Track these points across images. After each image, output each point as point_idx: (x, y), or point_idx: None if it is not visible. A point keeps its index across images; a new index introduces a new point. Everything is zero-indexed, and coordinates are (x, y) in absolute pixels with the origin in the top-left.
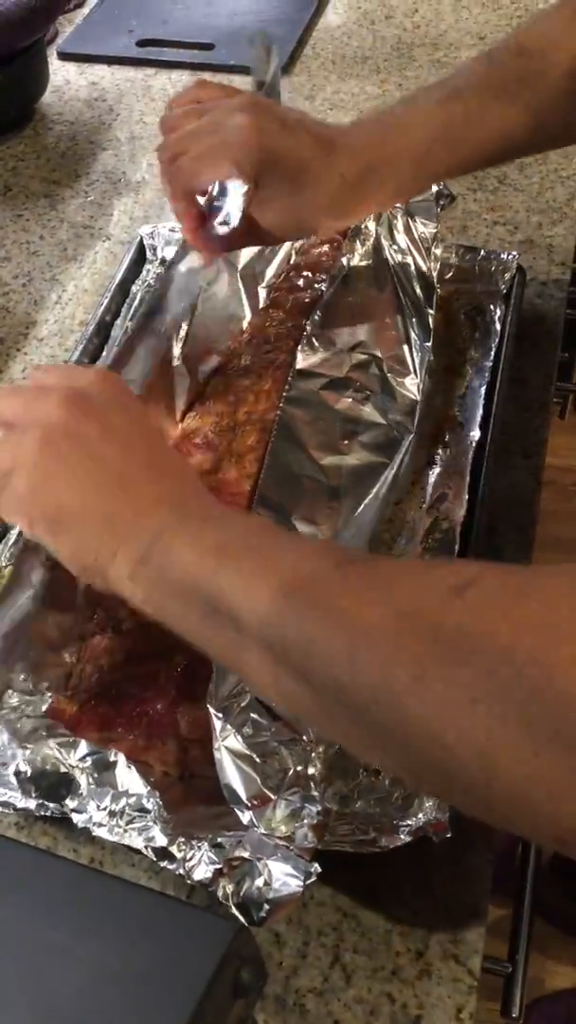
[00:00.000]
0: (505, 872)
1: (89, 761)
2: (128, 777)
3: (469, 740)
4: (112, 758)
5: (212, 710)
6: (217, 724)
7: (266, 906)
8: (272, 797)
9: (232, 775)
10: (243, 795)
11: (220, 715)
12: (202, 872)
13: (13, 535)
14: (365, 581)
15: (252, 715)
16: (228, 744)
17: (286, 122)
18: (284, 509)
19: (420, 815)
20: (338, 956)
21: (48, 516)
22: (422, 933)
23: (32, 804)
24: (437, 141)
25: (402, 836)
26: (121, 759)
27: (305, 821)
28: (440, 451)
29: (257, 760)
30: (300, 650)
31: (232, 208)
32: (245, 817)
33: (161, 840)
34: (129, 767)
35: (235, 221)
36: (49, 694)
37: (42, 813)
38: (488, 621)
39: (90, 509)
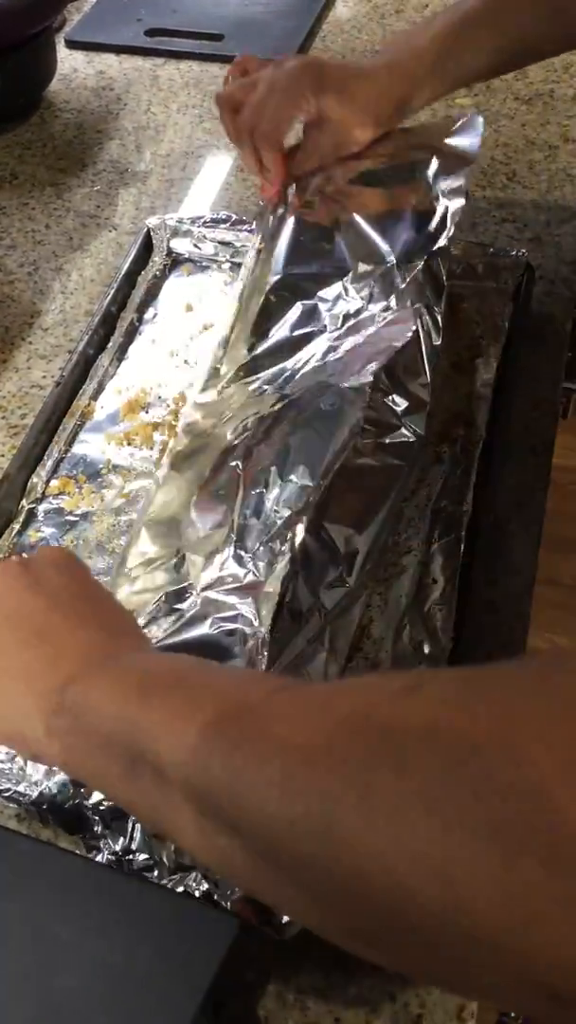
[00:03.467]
0: None
1: (104, 807)
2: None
3: (426, 866)
4: None
5: None
6: None
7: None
8: None
9: None
10: None
11: None
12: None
13: (16, 526)
14: (302, 703)
15: None
16: None
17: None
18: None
19: None
20: (340, 954)
21: None
22: None
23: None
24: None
25: None
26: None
27: None
28: (447, 449)
29: None
30: (226, 791)
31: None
32: None
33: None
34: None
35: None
36: None
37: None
38: (445, 715)
39: (7, 669)
